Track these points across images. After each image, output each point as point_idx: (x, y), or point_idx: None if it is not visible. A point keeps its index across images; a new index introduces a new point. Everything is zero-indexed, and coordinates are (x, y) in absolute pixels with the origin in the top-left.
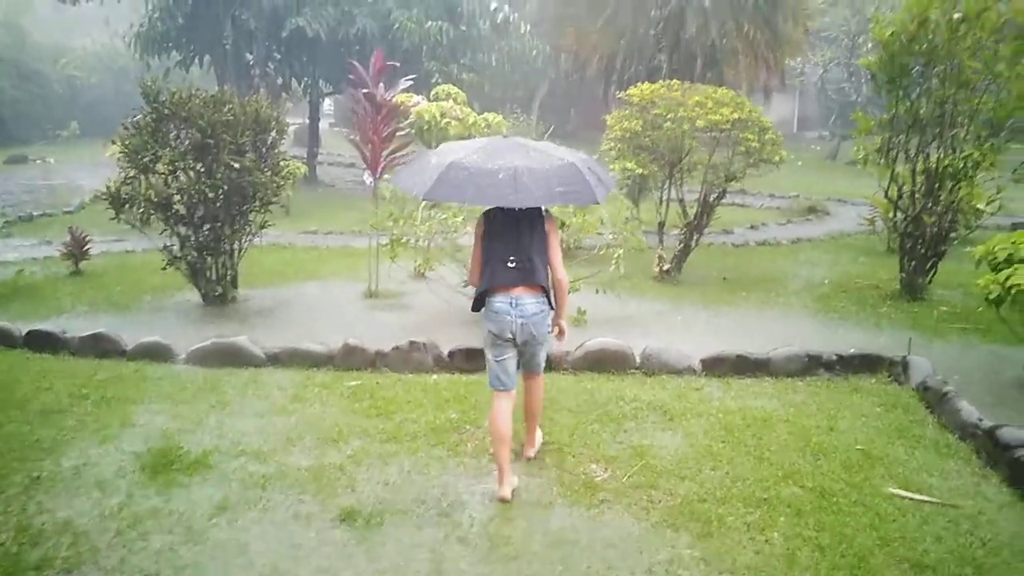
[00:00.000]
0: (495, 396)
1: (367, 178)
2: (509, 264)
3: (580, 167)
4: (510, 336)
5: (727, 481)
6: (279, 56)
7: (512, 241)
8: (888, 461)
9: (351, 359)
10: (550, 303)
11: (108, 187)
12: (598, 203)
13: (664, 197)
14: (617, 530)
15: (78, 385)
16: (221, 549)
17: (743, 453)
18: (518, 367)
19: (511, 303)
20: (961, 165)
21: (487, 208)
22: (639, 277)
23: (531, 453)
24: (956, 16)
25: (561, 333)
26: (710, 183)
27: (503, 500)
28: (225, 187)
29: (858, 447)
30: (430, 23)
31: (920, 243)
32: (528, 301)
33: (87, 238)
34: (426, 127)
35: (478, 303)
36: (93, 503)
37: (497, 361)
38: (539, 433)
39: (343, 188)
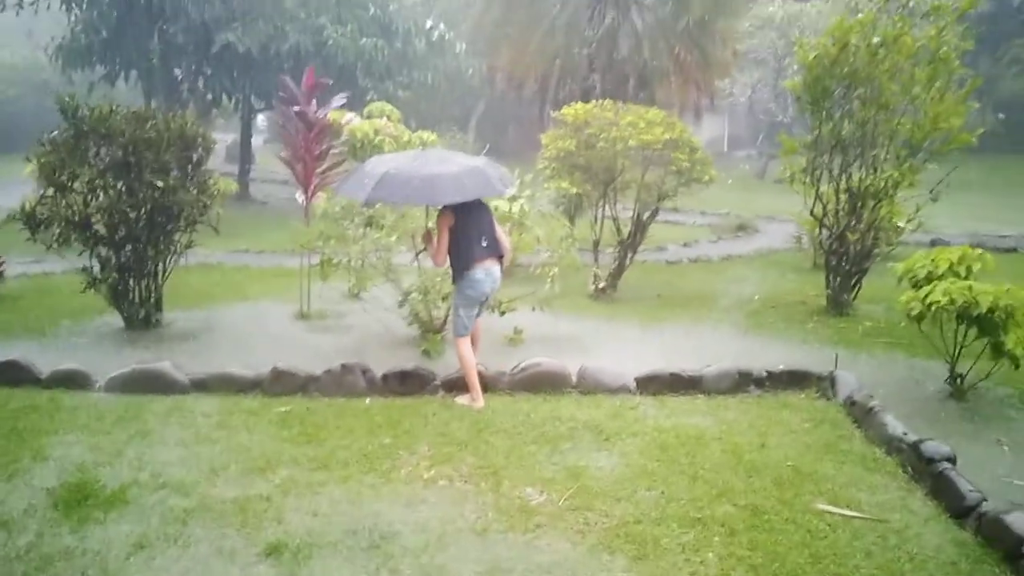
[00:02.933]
0: (463, 340)
1: (299, 196)
2: (483, 244)
3: (484, 169)
4: (484, 297)
5: (662, 501)
6: (209, 71)
7: (480, 227)
8: (817, 477)
9: (280, 384)
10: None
11: (23, 206)
12: (500, 194)
13: (599, 215)
14: (552, 555)
15: None
16: None
17: (677, 472)
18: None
19: (486, 273)
20: (882, 184)
21: (448, 205)
22: (575, 295)
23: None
24: (875, 41)
25: None
26: (643, 201)
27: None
28: (148, 206)
29: (788, 463)
30: (365, 40)
31: (844, 260)
32: (495, 269)
33: (1, 260)
34: (359, 145)
35: (457, 276)
36: None
37: (469, 316)
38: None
39: (276, 206)
